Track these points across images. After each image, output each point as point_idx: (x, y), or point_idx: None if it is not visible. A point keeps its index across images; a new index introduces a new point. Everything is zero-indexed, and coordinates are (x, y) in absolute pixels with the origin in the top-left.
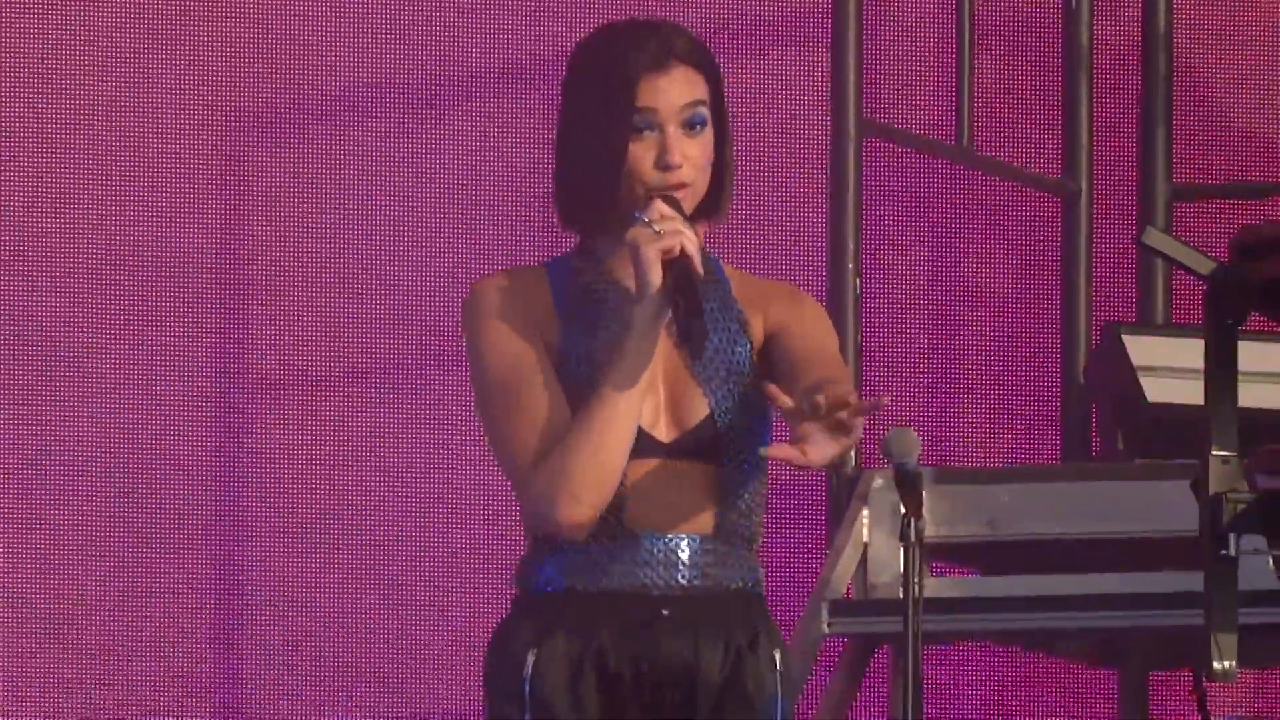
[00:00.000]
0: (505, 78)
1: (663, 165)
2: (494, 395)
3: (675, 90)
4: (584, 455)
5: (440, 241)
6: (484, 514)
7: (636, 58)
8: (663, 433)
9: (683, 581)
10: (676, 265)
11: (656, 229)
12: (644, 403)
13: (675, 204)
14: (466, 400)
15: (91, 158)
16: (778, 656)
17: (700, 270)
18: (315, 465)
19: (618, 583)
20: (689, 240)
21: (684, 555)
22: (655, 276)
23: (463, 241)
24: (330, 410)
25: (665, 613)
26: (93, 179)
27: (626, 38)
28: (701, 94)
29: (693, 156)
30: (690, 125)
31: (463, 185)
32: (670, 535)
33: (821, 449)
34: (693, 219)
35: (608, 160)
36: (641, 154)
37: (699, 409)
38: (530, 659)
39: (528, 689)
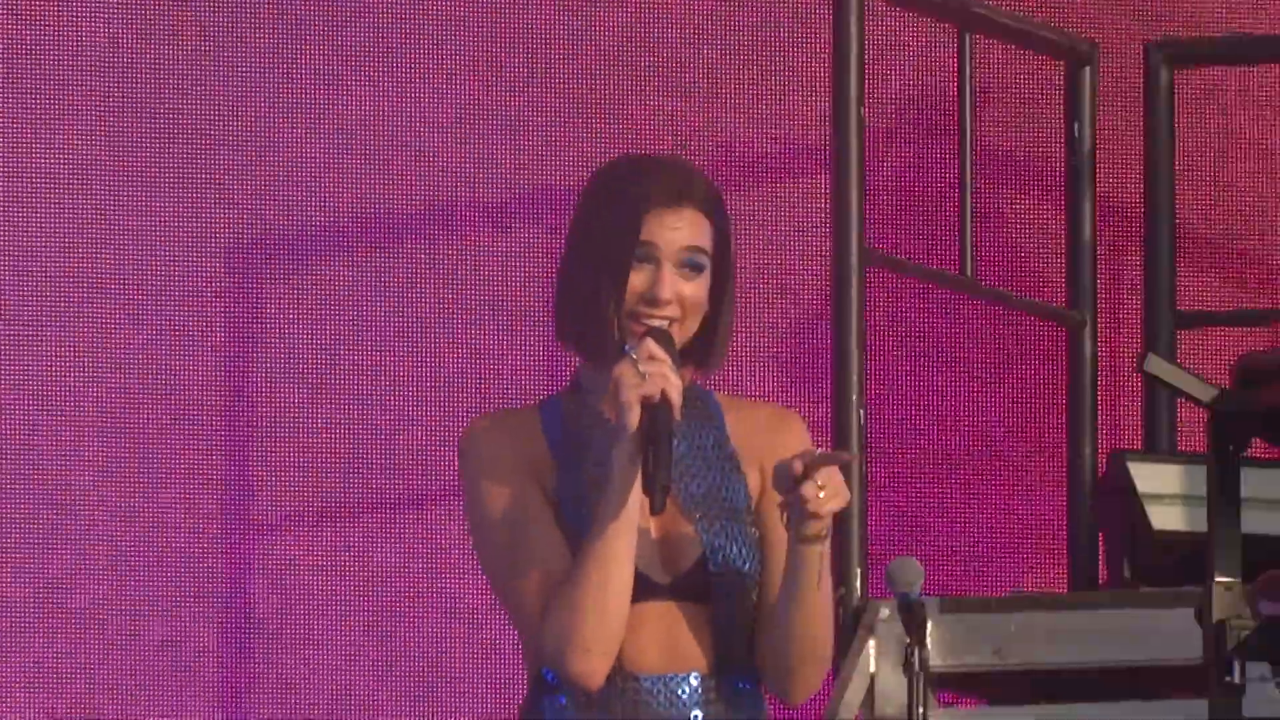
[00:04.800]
0: (513, 205)
1: (650, 299)
2: (495, 548)
3: (682, 230)
4: (587, 603)
5: (444, 362)
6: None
7: (649, 191)
8: (657, 574)
9: None
10: (655, 411)
11: (642, 370)
12: (640, 545)
13: (667, 340)
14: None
15: (103, 275)
16: None
17: (679, 417)
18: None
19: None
20: (672, 387)
21: (684, 695)
22: (632, 420)
23: (466, 363)
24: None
25: None
26: (84, 308)
27: (645, 169)
28: (705, 241)
29: (685, 298)
30: (687, 267)
31: (461, 312)
32: (670, 675)
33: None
34: (685, 361)
35: (606, 288)
36: (634, 283)
37: (692, 550)
38: None
39: None
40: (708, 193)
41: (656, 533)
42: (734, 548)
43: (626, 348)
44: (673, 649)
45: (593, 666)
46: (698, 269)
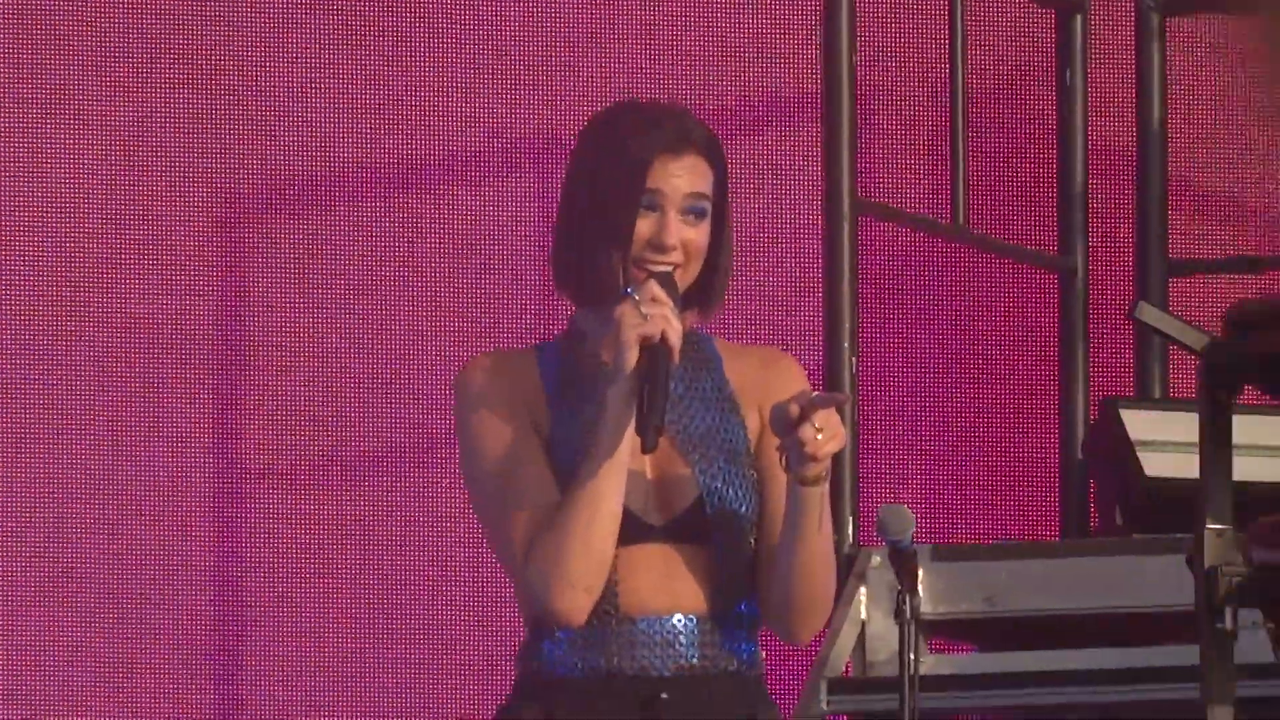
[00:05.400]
0: (502, 158)
1: (657, 245)
2: (485, 484)
3: (685, 177)
4: (573, 539)
5: (438, 317)
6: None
7: (654, 137)
8: (653, 516)
9: (681, 663)
10: (654, 353)
11: (644, 311)
12: (631, 484)
13: (671, 285)
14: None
15: (83, 238)
16: None
17: (677, 360)
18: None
19: (617, 665)
20: (673, 330)
21: (681, 636)
22: (630, 360)
23: (460, 317)
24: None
25: (664, 695)
26: (85, 260)
27: (647, 116)
28: (707, 187)
29: (688, 243)
30: (691, 213)
31: (459, 262)
32: (666, 617)
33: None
34: (687, 305)
35: (612, 235)
36: (645, 229)
37: (689, 492)
38: None
39: None
40: (708, 138)
41: (653, 474)
42: (731, 490)
43: (629, 290)
44: (668, 590)
45: (578, 603)
46: (701, 215)
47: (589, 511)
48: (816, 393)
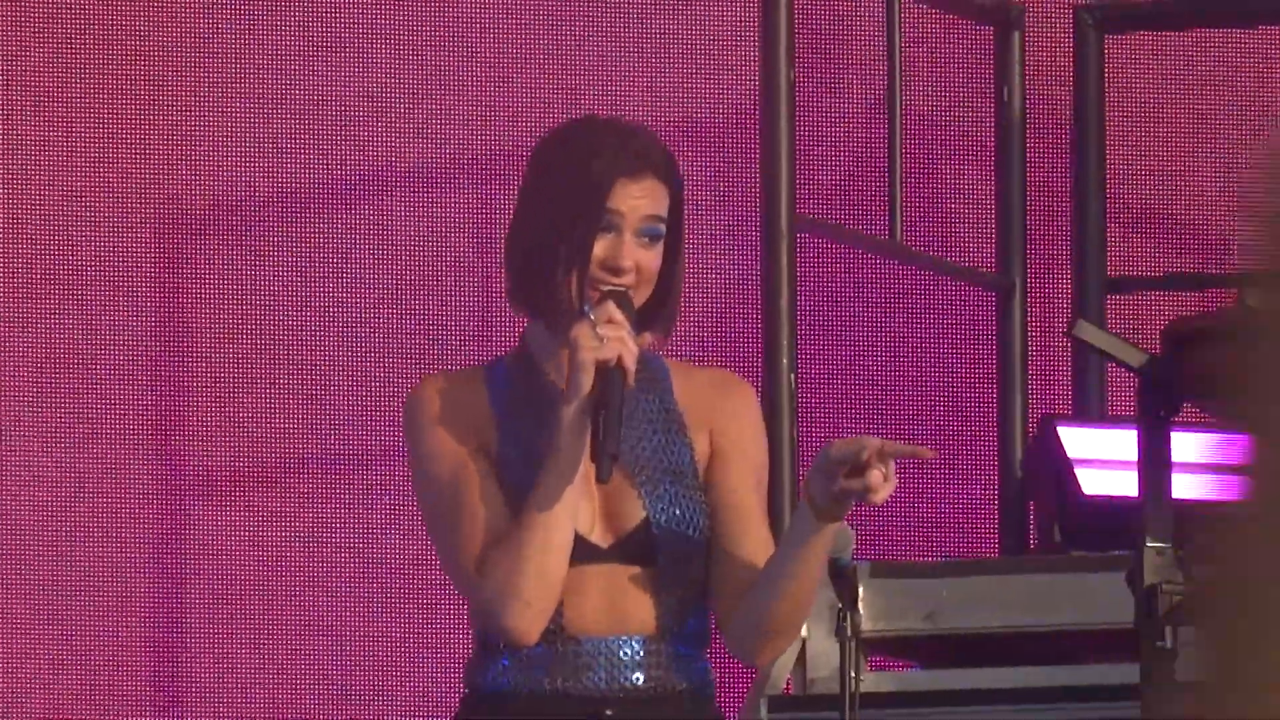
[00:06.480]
0: (456, 171)
1: (612, 267)
2: (436, 504)
3: (644, 200)
4: (527, 562)
5: (391, 329)
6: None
7: (615, 159)
8: (599, 537)
9: (626, 684)
10: (609, 377)
11: (600, 333)
12: (582, 506)
13: (628, 305)
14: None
15: (34, 246)
16: None
17: (631, 384)
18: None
19: (561, 685)
20: (629, 353)
21: (625, 658)
22: (585, 383)
23: (414, 331)
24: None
25: (609, 713)
26: (33, 265)
27: (607, 135)
28: (663, 210)
29: (643, 266)
30: (647, 236)
31: (410, 274)
32: (611, 638)
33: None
34: (639, 328)
35: (570, 255)
36: (595, 250)
37: (634, 513)
38: None
39: None
40: (666, 160)
41: (600, 495)
42: (678, 510)
43: (586, 308)
44: (614, 612)
45: (530, 620)
46: (656, 238)
47: (543, 535)
48: (894, 441)
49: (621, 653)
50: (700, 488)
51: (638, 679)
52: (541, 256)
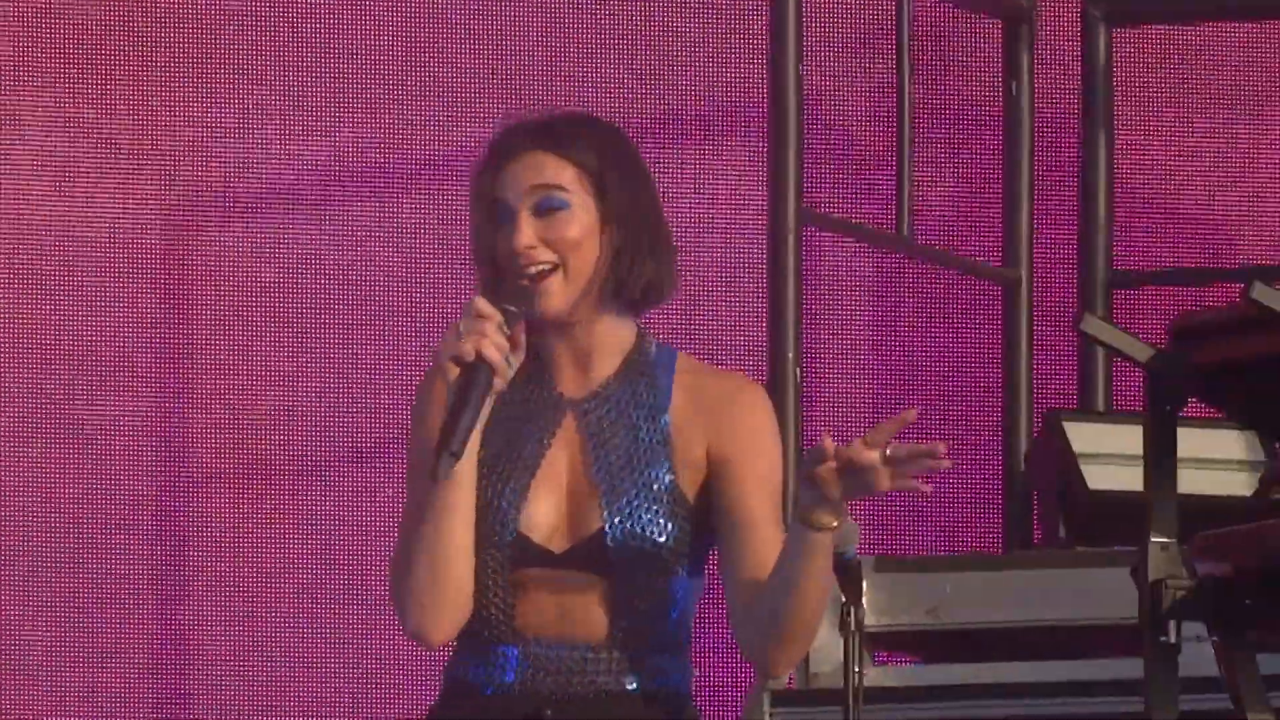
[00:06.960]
0: (462, 166)
1: (514, 251)
2: (408, 498)
3: (522, 176)
4: (419, 558)
5: (393, 327)
6: None
7: (495, 153)
8: (556, 544)
9: (570, 689)
10: (470, 372)
11: (461, 327)
12: (543, 508)
13: (525, 296)
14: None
15: (36, 238)
16: None
17: (501, 378)
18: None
19: (512, 684)
20: (490, 347)
21: (572, 663)
22: (449, 379)
23: (415, 330)
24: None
25: (548, 713)
26: (40, 259)
27: (498, 137)
28: (553, 177)
29: (552, 239)
30: (542, 207)
31: (414, 272)
32: (559, 643)
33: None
34: (607, 308)
35: (482, 264)
36: (502, 243)
37: (593, 523)
38: None
39: None
40: (564, 133)
41: (566, 500)
42: (641, 519)
43: (509, 308)
44: (566, 618)
45: (430, 625)
46: (556, 206)
47: (430, 527)
48: (908, 446)
49: (569, 658)
50: (676, 501)
51: (581, 684)
52: (479, 273)
